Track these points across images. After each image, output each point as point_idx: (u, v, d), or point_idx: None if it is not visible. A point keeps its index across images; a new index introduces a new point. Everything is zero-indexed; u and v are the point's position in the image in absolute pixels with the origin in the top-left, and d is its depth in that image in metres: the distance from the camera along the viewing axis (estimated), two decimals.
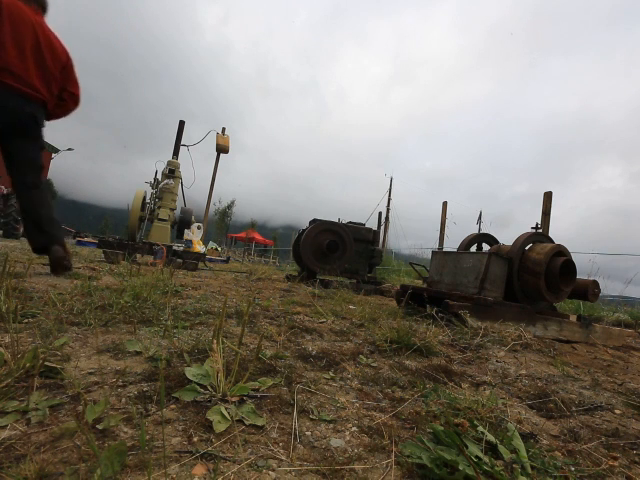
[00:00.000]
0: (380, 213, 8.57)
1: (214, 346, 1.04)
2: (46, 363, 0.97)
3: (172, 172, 6.68)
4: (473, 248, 3.79)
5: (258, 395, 1.02)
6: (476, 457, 0.78)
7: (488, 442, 0.87)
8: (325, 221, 5.75)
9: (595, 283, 3.21)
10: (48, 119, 3.04)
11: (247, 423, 0.86)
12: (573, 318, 3.18)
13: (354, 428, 0.92)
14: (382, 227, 10.98)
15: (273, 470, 0.69)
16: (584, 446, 0.96)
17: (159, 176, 6.80)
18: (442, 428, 0.88)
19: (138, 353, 1.24)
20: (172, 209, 6.69)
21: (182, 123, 7.43)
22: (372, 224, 6.61)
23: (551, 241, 3.36)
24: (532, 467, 0.79)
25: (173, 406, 0.90)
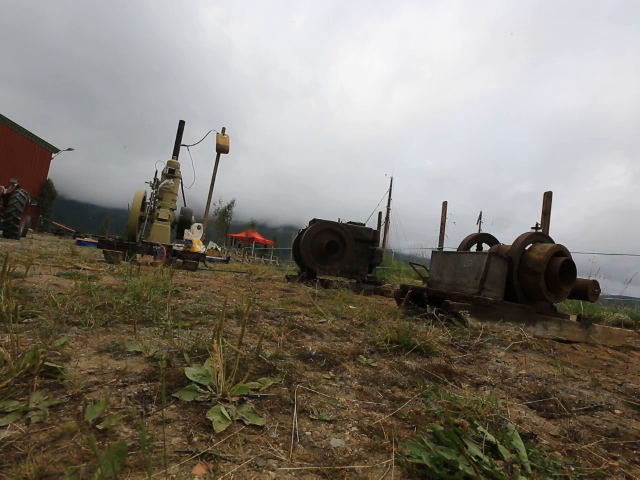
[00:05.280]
0: (380, 213, 8.56)
1: (214, 346, 1.04)
2: (46, 363, 0.97)
3: (172, 172, 6.68)
4: (473, 248, 3.79)
5: (258, 395, 1.02)
6: (476, 457, 0.78)
7: (488, 442, 0.87)
8: (325, 221, 5.75)
9: (595, 283, 3.21)
10: None
11: (247, 423, 0.86)
12: (573, 318, 3.18)
13: (354, 428, 0.92)
14: (382, 227, 10.96)
15: (273, 470, 0.69)
16: (584, 446, 0.96)
17: (159, 176, 6.80)
18: (442, 428, 0.88)
19: (138, 353, 1.24)
20: (172, 209, 6.69)
21: (182, 123, 7.42)
22: (372, 224, 6.60)
23: (551, 241, 3.36)
24: (532, 467, 0.79)
25: (173, 406, 0.90)
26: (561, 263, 2.99)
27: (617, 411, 1.27)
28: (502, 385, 1.42)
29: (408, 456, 0.79)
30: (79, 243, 10.09)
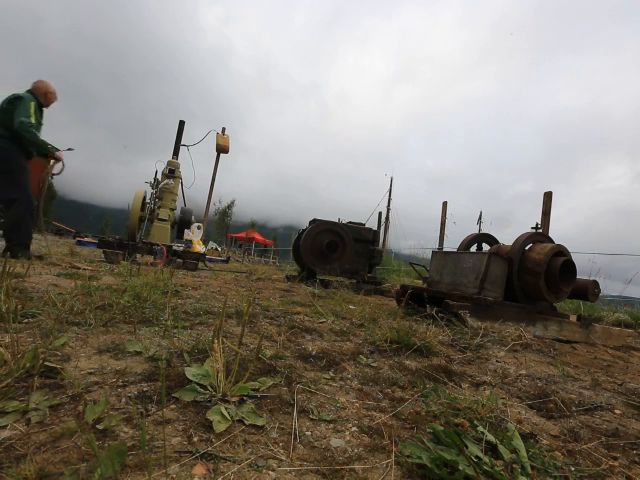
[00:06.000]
0: (380, 213, 8.56)
1: (214, 346, 1.04)
2: (46, 363, 0.97)
3: (172, 172, 6.68)
4: (473, 248, 3.79)
5: (258, 395, 1.02)
6: (476, 457, 0.78)
7: (488, 442, 0.87)
8: (325, 221, 5.75)
9: (595, 283, 3.21)
10: None
11: (247, 423, 0.86)
12: (573, 318, 3.18)
13: (354, 428, 0.92)
14: (382, 227, 10.97)
15: (273, 470, 0.69)
16: (584, 446, 0.96)
17: (159, 176, 6.80)
18: (442, 428, 0.88)
19: (138, 353, 1.24)
20: (172, 209, 6.69)
21: (182, 123, 7.42)
22: (372, 224, 6.60)
23: (551, 241, 3.36)
24: (532, 467, 0.79)
25: (173, 406, 0.90)
26: (561, 263, 2.99)
27: (617, 411, 1.27)
28: (502, 385, 1.42)
29: (408, 456, 0.79)
30: (79, 243, 10.09)
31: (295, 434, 0.84)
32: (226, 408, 0.89)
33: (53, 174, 4.40)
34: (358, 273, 6.02)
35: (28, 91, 4.10)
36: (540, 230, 3.48)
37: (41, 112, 4.20)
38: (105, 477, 0.59)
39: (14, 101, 3.89)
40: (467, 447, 0.81)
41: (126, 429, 0.76)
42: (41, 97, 4.18)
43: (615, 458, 0.90)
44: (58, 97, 4.40)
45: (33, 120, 3.88)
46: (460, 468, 0.71)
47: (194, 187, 7.43)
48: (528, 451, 0.85)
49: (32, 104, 3.94)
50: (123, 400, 0.89)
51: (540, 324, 2.86)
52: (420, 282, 5.49)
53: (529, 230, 3.43)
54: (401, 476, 0.73)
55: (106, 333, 1.44)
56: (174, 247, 6.18)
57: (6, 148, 3.87)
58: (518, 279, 3.15)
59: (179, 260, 5.49)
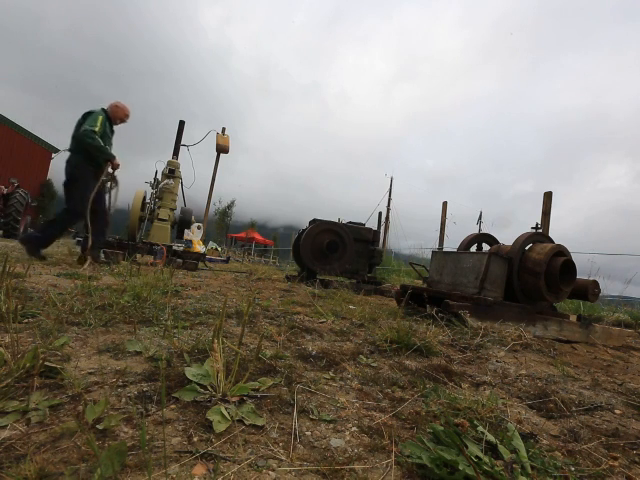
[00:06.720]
0: (380, 213, 8.56)
1: (214, 346, 1.04)
2: (46, 363, 0.97)
3: (172, 172, 6.67)
4: (473, 248, 3.79)
5: (258, 395, 1.02)
6: (476, 457, 0.78)
7: (488, 442, 0.87)
8: (325, 221, 5.75)
9: (595, 283, 3.21)
10: None
11: (247, 423, 0.86)
12: (573, 318, 3.18)
13: (354, 428, 0.92)
14: (382, 227, 10.97)
15: (273, 470, 0.69)
16: (584, 446, 0.96)
17: (159, 176, 6.79)
18: (442, 428, 0.88)
19: (138, 353, 1.24)
20: (172, 209, 6.68)
21: (182, 123, 7.42)
22: (372, 224, 6.60)
23: (551, 241, 3.36)
24: (532, 467, 0.79)
25: (173, 406, 0.90)
26: (561, 263, 2.99)
27: (617, 411, 1.27)
28: (502, 385, 1.42)
29: (408, 456, 0.79)
30: (79, 243, 10.08)
31: (295, 434, 0.84)
32: (226, 408, 0.89)
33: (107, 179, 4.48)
34: (358, 273, 6.02)
35: (102, 108, 4.35)
36: (540, 230, 3.48)
37: (111, 127, 4.45)
38: (105, 477, 0.59)
39: (86, 115, 4.16)
40: (467, 447, 0.81)
41: (126, 429, 0.76)
42: (109, 112, 4.39)
43: (615, 458, 0.90)
44: (124, 114, 4.56)
45: (97, 129, 4.08)
46: (460, 468, 0.71)
47: (194, 187, 7.42)
48: (528, 451, 0.85)
49: (100, 117, 4.16)
50: (123, 400, 0.89)
51: (540, 324, 2.85)
52: (420, 282, 5.49)
53: (529, 230, 3.43)
54: (401, 476, 0.73)
55: (106, 333, 1.44)
56: (174, 247, 6.17)
57: (74, 162, 4.11)
58: (518, 279, 3.15)
59: (179, 260, 5.48)
